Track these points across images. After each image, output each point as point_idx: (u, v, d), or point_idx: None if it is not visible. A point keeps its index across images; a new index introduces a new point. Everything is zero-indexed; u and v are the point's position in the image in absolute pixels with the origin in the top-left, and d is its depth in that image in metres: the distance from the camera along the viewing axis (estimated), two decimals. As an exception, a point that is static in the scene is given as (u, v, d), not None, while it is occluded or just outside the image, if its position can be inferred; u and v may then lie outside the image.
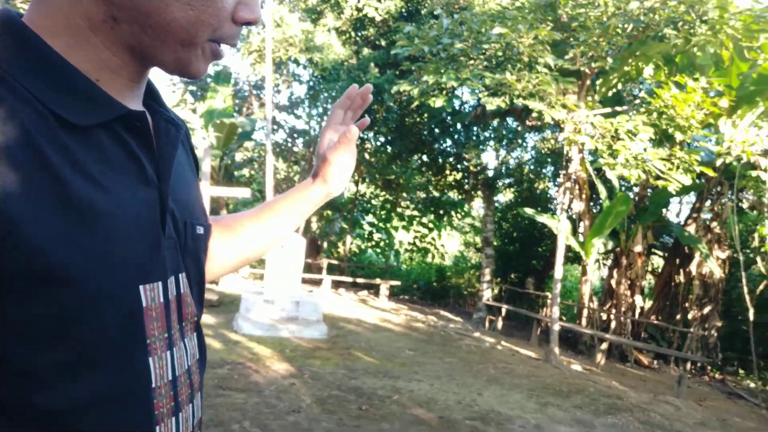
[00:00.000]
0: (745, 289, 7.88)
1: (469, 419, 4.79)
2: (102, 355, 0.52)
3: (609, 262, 11.33)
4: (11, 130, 0.47)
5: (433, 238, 18.96)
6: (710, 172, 7.17)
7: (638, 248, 9.62)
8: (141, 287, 0.55)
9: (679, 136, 7.56)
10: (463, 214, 18.24)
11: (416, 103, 8.98)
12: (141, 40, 0.55)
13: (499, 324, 10.84)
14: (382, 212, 18.82)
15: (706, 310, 9.20)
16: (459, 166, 13.81)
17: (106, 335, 0.52)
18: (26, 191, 0.46)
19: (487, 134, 13.13)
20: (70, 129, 0.51)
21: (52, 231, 0.47)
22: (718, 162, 7.70)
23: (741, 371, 9.83)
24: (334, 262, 15.83)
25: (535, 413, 5.23)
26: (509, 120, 12.57)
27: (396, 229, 19.27)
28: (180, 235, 0.64)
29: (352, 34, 14.30)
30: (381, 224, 19.10)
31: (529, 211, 10.41)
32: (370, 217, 19.31)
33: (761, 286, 8.17)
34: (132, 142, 0.57)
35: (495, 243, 13.63)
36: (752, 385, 8.83)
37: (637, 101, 9.19)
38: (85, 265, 0.49)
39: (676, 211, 12.68)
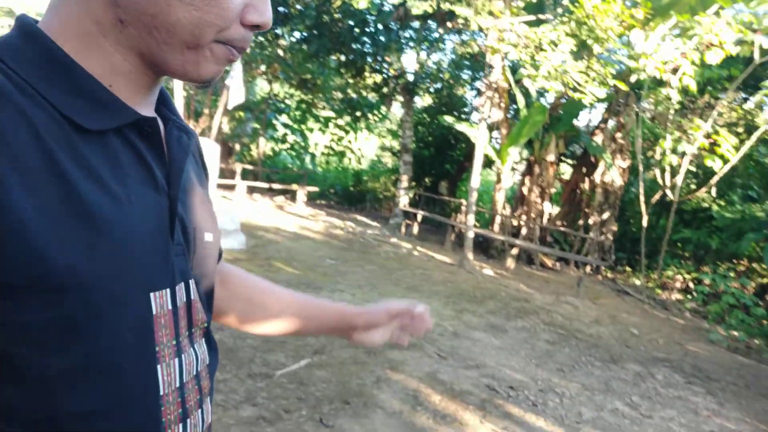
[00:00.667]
0: (642, 197, 8.51)
1: (391, 329, 4.97)
2: (110, 363, 0.52)
3: (522, 170, 11.76)
4: (25, 135, 0.47)
5: (349, 141, 18.72)
6: (623, 86, 7.41)
7: (550, 157, 10.01)
8: (151, 294, 0.56)
9: (597, 48, 7.66)
10: (380, 116, 18.01)
11: (338, 1, 8.39)
12: (148, 43, 0.55)
13: (415, 229, 11.15)
14: (297, 113, 18.17)
15: (605, 215, 9.91)
16: (378, 68, 13.39)
17: (115, 342, 0.52)
18: (38, 196, 0.46)
19: (408, 36, 12.67)
20: (83, 134, 0.52)
21: (63, 236, 0.47)
22: (632, 77, 7.94)
23: (628, 270, 10.89)
24: (248, 166, 15.31)
25: (452, 320, 5.52)
26: (430, 22, 12.15)
27: (311, 130, 18.77)
28: (189, 242, 0.63)
29: None
30: (296, 126, 18.50)
31: (448, 119, 10.41)
32: (284, 118, 18.59)
33: (657, 195, 8.85)
34: (143, 148, 0.58)
35: (412, 147, 13.68)
36: (638, 282, 9.84)
37: (559, 9, 9.13)
38: (95, 271, 0.49)
39: (586, 120, 13.19)
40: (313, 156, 19.41)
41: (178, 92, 8.92)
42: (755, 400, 4.80)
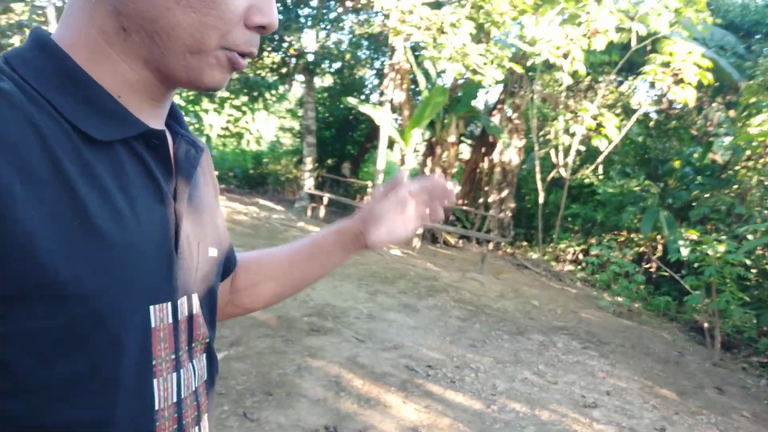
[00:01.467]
0: (538, 175, 9.01)
1: (306, 316, 4.90)
2: (108, 374, 0.52)
3: (423, 151, 12.00)
4: (34, 145, 0.47)
5: (246, 122, 18.09)
6: (520, 69, 7.75)
7: (451, 138, 10.30)
8: (151, 307, 0.55)
9: (494, 32, 7.94)
10: (278, 96, 17.55)
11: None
12: (151, 50, 0.55)
13: (321, 212, 11.06)
14: (190, 94, 17.24)
15: (504, 193, 10.40)
16: (277, 47, 12.99)
17: (114, 354, 0.52)
18: (44, 206, 0.46)
19: (306, 13, 12.38)
20: (91, 144, 0.52)
21: (68, 246, 0.47)
22: (529, 61, 8.31)
23: (525, 244, 11.55)
24: (139, 149, 14.35)
25: (366, 302, 5.55)
26: (330, 1, 11.95)
27: (206, 111, 17.90)
28: (193, 257, 0.63)
29: None
30: (189, 107, 17.55)
31: (352, 100, 10.36)
32: (176, 99, 17.59)
33: (552, 173, 9.40)
34: (150, 161, 0.58)
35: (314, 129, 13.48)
36: (535, 256, 10.46)
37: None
38: (96, 282, 0.49)
39: (484, 101, 13.70)
40: (208, 138, 18.53)
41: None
42: (640, 360, 5.30)
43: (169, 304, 0.58)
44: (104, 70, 0.55)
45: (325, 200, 11.25)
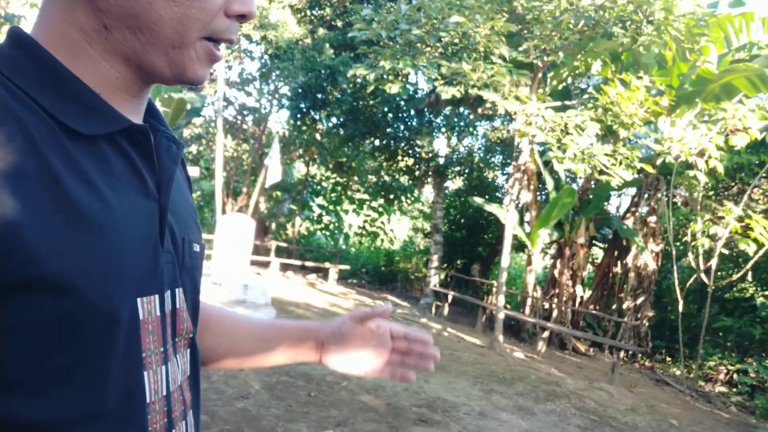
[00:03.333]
0: (676, 281, 8.33)
1: (416, 406, 4.88)
2: (99, 367, 0.52)
3: (553, 252, 11.70)
4: (19, 140, 0.47)
5: (382, 222, 19.03)
6: (650, 169, 7.50)
7: (581, 240, 9.98)
8: (139, 299, 0.55)
9: (623, 133, 7.85)
10: (412, 199, 18.38)
11: (371, 87, 8.92)
12: (133, 46, 0.55)
13: (446, 310, 11.05)
14: (333, 195, 18.70)
15: (640, 300, 9.67)
16: (411, 151, 13.87)
17: (104, 346, 0.52)
18: (31, 200, 0.47)
19: (439, 121, 13.21)
20: (75, 139, 0.52)
21: (56, 239, 0.47)
22: (658, 160, 8.04)
23: (668, 359, 10.43)
24: (283, 244, 15.65)
25: (479, 400, 5.38)
26: (462, 108, 12.68)
27: (346, 212, 19.20)
28: (178, 251, 0.64)
29: (308, 12, 14.01)
30: (331, 207, 18.99)
31: (478, 200, 10.59)
32: (319, 200, 19.14)
33: (691, 280, 8.65)
34: (134, 156, 0.58)
35: (443, 229, 13.83)
36: (677, 372, 9.39)
37: (585, 96, 9.46)
38: (85, 274, 0.49)
39: (617, 204, 13.26)
40: (346, 236, 19.73)
41: (219, 173, 9.42)
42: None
43: (156, 296, 0.58)
44: (84, 68, 0.55)
45: (450, 298, 11.26)
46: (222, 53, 0.61)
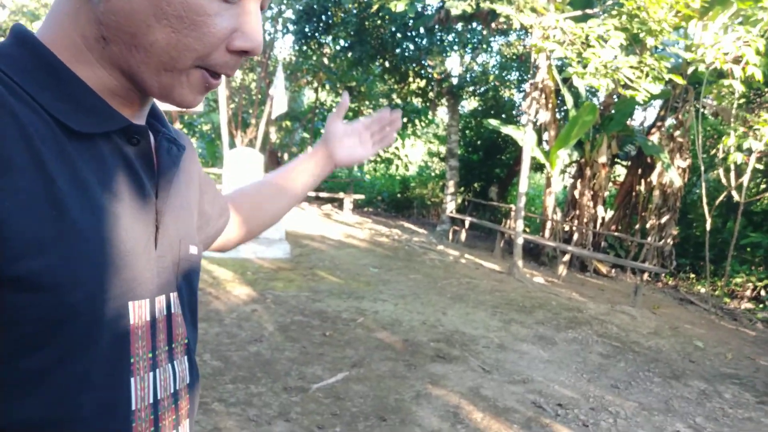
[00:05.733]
0: (704, 198, 7.97)
1: (433, 341, 4.79)
2: (82, 369, 0.51)
3: (573, 173, 11.31)
4: (13, 135, 0.47)
5: (396, 148, 18.64)
6: (679, 80, 6.95)
7: (602, 159, 9.56)
8: (130, 303, 0.55)
9: (650, 41, 7.25)
10: (426, 122, 17.85)
11: (376, 6, 8.31)
12: (128, 61, 0.55)
13: (463, 236, 10.89)
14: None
15: (664, 219, 9.36)
16: (422, 72, 13.24)
17: (89, 348, 0.51)
18: (18, 194, 0.46)
19: (450, 39, 12.46)
20: (72, 137, 0.52)
21: (39, 235, 0.47)
22: (689, 69, 7.46)
23: (692, 276, 10.24)
24: (296, 175, 15.44)
25: (498, 331, 5.28)
26: (474, 24, 11.90)
27: (359, 138, 18.80)
28: (174, 254, 0.63)
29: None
30: (343, 134, 18.58)
31: (493, 122, 10.12)
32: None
33: (721, 197, 8.27)
34: (132, 156, 0.58)
35: (459, 152, 13.42)
36: (702, 290, 9.23)
37: (609, 2, 8.72)
38: (69, 273, 0.48)
39: (641, 119, 12.59)
40: (360, 164, 19.44)
41: (223, 105, 9.07)
42: (839, 422, 4.33)
43: (147, 301, 0.57)
44: (84, 72, 0.55)
45: (467, 224, 11.07)
46: (219, 81, 0.59)
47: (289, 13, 13.16)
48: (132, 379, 0.56)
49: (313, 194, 13.95)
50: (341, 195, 13.94)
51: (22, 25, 0.56)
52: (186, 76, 0.56)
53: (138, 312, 0.56)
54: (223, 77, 0.59)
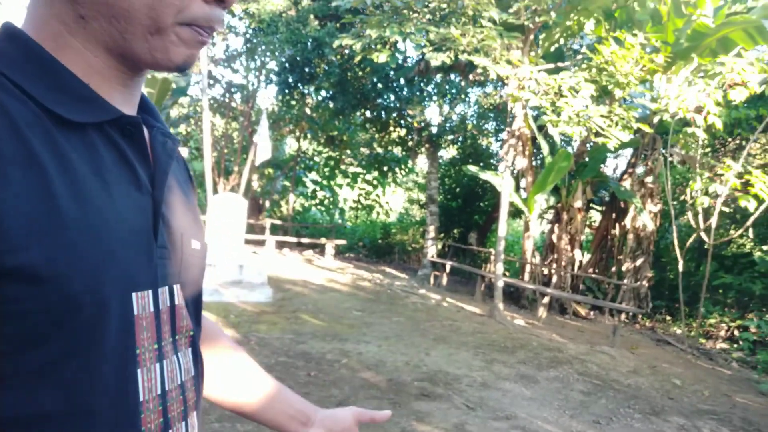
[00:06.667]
0: (675, 241, 8.26)
1: (417, 380, 4.83)
2: (88, 361, 0.50)
3: (550, 217, 11.61)
4: (3, 127, 0.47)
5: (377, 195, 18.89)
6: (647, 128, 7.33)
7: (578, 203, 9.87)
8: (133, 294, 0.54)
9: (618, 93, 7.67)
10: (407, 170, 18.20)
11: (359, 57, 8.68)
12: (112, 35, 0.54)
13: (444, 280, 11.00)
14: (326, 169, 18.48)
15: (639, 261, 9.62)
16: (402, 122, 13.64)
17: (94, 339, 0.50)
18: (14, 187, 0.46)
19: (430, 89, 12.94)
20: (64, 127, 0.52)
21: (37, 226, 0.46)
22: (655, 119, 7.87)
23: (668, 318, 10.44)
24: (278, 221, 15.52)
25: (481, 371, 5.34)
26: (452, 75, 12.41)
27: (340, 186, 19.02)
28: (176, 247, 0.62)
29: (290, -18, 13.58)
30: (325, 182, 18.80)
31: (472, 168, 10.43)
32: (313, 175, 18.92)
33: (691, 239, 8.57)
34: (126, 148, 0.57)
35: (438, 199, 13.70)
36: (678, 331, 9.41)
37: (579, 57, 9.23)
38: (70, 264, 0.48)
39: (613, 166, 13.13)
40: (342, 211, 19.59)
41: (207, 152, 9.22)
42: (814, 455, 4.44)
43: (150, 292, 0.57)
44: (70, 59, 0.54)
45: (448, 268, 11.20)
46: (209, 37, 0.59)
47: (273, 65, 13.54)
48: (139, 371, 0.55)
49: (294, 240, 14.00)
50: (323, 240, 14.01)
51: (12, 23, 0.56)
52: (175, 35, 0.56)
53: (141, 302, 0.55)
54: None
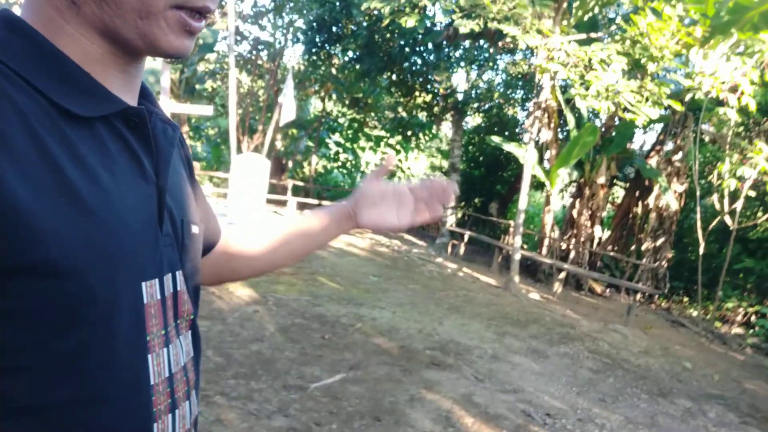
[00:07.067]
0: (699, 222, 8.14)
1: (429, 349, 4.93)
2: (104, 350, 0.52)
3: (572, 192, 11.49)
4: (15, 123, 0.47)
5: (400, 160, 18.84)
6: (678, 106, 7.15)
7: (601, 180, 9.75)
8: (143, 284, 0.56)
9: (651, 67, 7.45)
10: (430, 136, 18.07)
11: (387, 20, 8.54)
12: (103, 20, 0.54)
13: (462, 249, 11.04)
14: (349, 132, 18.45)
15: (660, 241, 9.53)
16: (428, 87, 13.47)
17: (110, 329, 0.52)
18: (30, 183, 0.46)
19: (457, 55, 12.70)
20: (71, 121, 0.52)
21: (54, 221, 0.47)
22: (687, 96, 7.66)
23: (686, 300, 10.38)
24: (300, 182, 15.63)
25: (492, 343, 5.42)
26: (481, 42, 12.14)
27: (363, 149, 19.00)
28: (177, 234, 0.64)
29: (321, -60, 13.30)
30: (348, 144, 18.79)
31: (496, 139, 10.32)
32: (336, 137, 18.92)
33: (715, 221, 8.44)
34: (131, 138, 0.58)
35: (461, 167, 13.62)
36: (694, 313, 9.36)
37: (613, 27, 8.95)
38: (86, 258, 0.49)
39: (640, 142, 12.85)
40: (363, 174, 19.64)
41: (232, 110, 9.25)
42: (819, 444, 4.47)
43: (157, 280, 0.59)
44: (68, 47, 0.54)
45: (466, 238, 11.23)
46: (201, 24, 0.58)
47: (300, 23, 13.40)
48: (149, 356, 0.57)
49: (315, 202, 14.12)
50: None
51: (10, 10, 0.55)
52: (164, 20, 0.55)
53: (149, 291, 0.57)
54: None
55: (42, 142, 0.48)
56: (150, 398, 0.58)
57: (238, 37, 14.47)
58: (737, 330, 8.84)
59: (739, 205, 7.84)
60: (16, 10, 0.56)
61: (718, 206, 8.05)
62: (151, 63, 11.86)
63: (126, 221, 0.54)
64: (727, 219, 7.98)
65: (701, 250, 8.18)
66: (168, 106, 7.62)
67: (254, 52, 15.37)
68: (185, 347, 0.66)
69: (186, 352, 0.66)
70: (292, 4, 12.66)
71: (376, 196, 0.94)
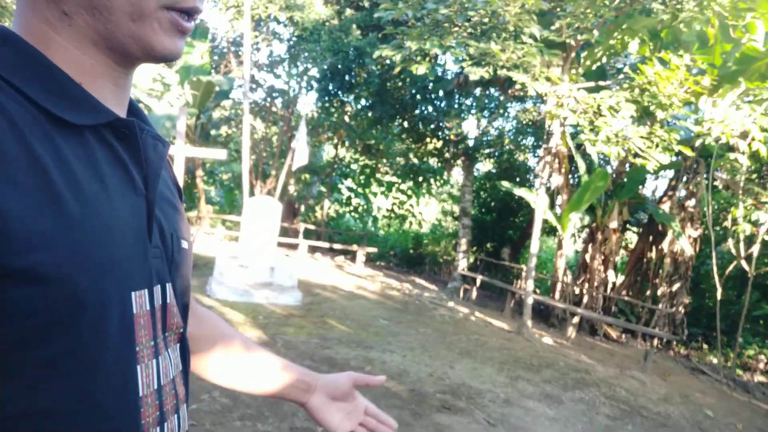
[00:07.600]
0: (715, 268, 8.03)
1: (440, 392, 4.83)
2: (92, 359, 0.52)
3: (584, 237, 11.43)
4: (4, 129, 0.47)
5: (411, 205, 18.94)
6: (688, 151, 7.18)
7: (614, 224, 9.70)
8: (133, 293, 0.56)
9: (660, 114, 7.53)
10: (441, 182, 18.21)
11: (398, 68, 8.77)
12: (96, 28, 0.55)
13: (474, 294, 10.94)
14: (361, 177, 18.65)
15: (675, 286, 9.38)
16: (439, 133, 13.68)
17: (98, 338, 0.52)
18: (18, 188, 0.46)
19: (468, 103, 12.95)
20: (62, 129, 0.52)
21: (42, 228, 0.47)
22: (698, 142, 7.70)
23: (705, 346, 10.12)
24: (311, 226, 15.72)
25: (505, 387, 5.30)
26: (492, 89, 12.39)
27: (375, 194, 19.15)
28: (167, 247, 0.64)
29: (335, -8, 13.83)
30: (359, 189, 18.96)
31: (506, 184, 10.38)
32: (348, 182, 19.12)
33: (731, 267, 8.32)
34: (120, 150, 0.58)
35: (472, 212, 13.64)
36: (714, 360, 9.11)
37: (621, 76, 9.10)
38: (74, 265, 0.49)
39: (652, 188, 12.85)
40: (375, 219, 19.72)
41: (246, 155, 9.43)
42: None
43: (146, 291, 0.59)
44: (59, 59, 0.55)
45: (478, 282, 11.13)
46: (192, 25, 0.60)
47: (314, 71, 13.79)
48: (138, 367, 0.57)
49: (326, 245, 14.15)
50: (354, 247, 14.12)
51: (4, 26, 0.56)
52: (156, 21, 0.56)
53: (139, 301, 0.57)
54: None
55: (31, 148, 0.48)
56: (138, 410, 0.57)
57: (253, 85, 14.90)
58: (760, 378, 8.56)
59: (755, 250, 7.73)
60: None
61: (734, 251, 7.95)
62: (167, 109, 12.21)
63: (115, 229, 0.54)
64: (744, 264, 7.86)
65: (719, 296, 8.03)
66: (183, 149, 7.79)
67: (269, 99, 15.78)
68: (174, 360, 0.66)
69: (175, 365, 0.66)
70: (306, 54, 13.07)
71: (340, 394, 0.96)
